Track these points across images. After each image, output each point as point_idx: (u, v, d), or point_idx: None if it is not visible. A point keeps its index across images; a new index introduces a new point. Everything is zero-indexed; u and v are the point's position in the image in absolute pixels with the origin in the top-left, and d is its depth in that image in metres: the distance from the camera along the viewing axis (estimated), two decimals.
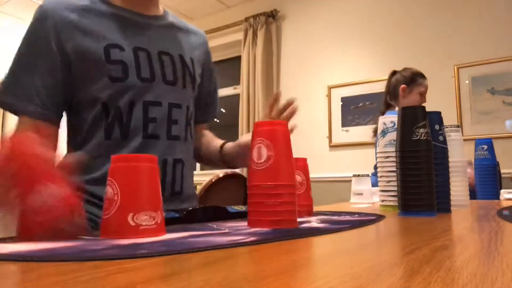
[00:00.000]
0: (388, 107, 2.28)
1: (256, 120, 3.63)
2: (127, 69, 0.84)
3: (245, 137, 0.96)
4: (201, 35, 1.09)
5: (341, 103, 3.36)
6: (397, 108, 2.22)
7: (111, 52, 0.83)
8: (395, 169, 0.86)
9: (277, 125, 0.60)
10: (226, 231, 0.54)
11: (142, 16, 0.92)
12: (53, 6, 0.83)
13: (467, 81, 2.89)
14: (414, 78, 2.20)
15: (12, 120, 6.56)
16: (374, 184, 1.53)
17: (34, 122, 0.82)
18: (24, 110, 0.82)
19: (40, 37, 0.82)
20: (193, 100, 0.99)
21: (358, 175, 1.43)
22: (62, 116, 0.88)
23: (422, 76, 2.22)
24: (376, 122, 2.15)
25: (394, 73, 2.31)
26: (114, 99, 0.83)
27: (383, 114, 2.21)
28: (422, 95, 2.19)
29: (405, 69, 2.27)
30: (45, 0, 0.85)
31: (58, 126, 0.87)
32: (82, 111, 0.85)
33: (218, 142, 1.06)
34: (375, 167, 2.20)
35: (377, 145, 1.01)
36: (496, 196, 1.55)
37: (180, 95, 0.93)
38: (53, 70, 0.83)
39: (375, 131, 2.28)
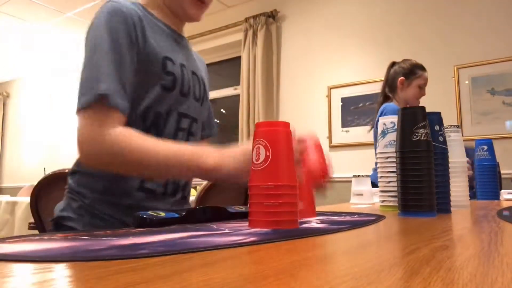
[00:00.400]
0: (386, 98, 2.22)
1: (256, 120, 3.63)
2: (175, 81, 0.90)
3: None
4: (203, 60, 1.17)
5: (341, 103, 3.36)
6: (394, 101, 2.18)
7: (167, 64, 0.89)
8: (395, 170, 0.86)
9: (277, 126, 0.60)
10: (226, 231, 0.54)
11: (178, 35, 1.00)
12: (128, 7, 0.85)
13: (467, 82, 2.89)
14: (413, 70, 2.15)
15: (12, 119, 6.48)
16: (374, 180, 1.53)
17: (122, 117, 0.80)
18: (122, 105, 0.79)
19: (122, 32, 0.82)
20: (205, 117, 1.08)
21: (358, 176, 1.43)
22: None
23: (422, 68, 2.16)
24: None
25: (393, 64, 2.26)
26: (155, 106, 0.88)
27: (380, 104, 2.17)
28: (421, 88, 2.14)
29: (404, 61, 2.22)
30: (115, 1, 0.85)
31: None
32: (137, 114, 0.87)
33: None
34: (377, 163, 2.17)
35: (377, 145, 1.01)
36: (496, 196, 1.55)
37: (200, 111, 1.01)
38: (133, 66, 0.84)
39: (372, 125, 2.25)
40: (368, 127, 3.15)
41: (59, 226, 0.87)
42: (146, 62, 0.86)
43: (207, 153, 0.75)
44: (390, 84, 2.20)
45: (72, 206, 0.88)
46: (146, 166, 0.77)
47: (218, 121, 3.85)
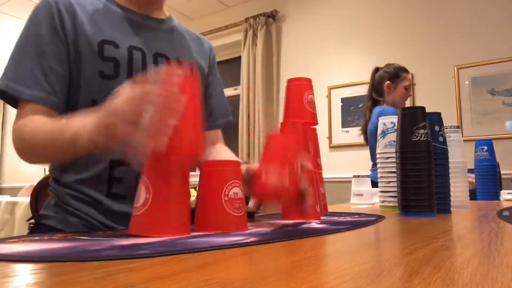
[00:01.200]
0: (375, 102, 2.28)
1: (256, 120, 3.64)
2: (118, 67, 0.82)
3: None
4: (206, 43, 1.07)
5: (341, 103, 3.36)
6: (384, 104, 2.23)
7: (105, 48, 0.82)
8: (395, 170, 0.86)
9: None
10: (226, 231, 0.54)
11: (144, 17, 0.91)
12: None
13: (467, 82, 2.89)
14: (397, 74, 2.24)
15: (12, 119, 6.51)
16: (374, 179, 1.53)
17: (46, 110, 0.78)
18: (34, 96, 0.78)
19: (45, 24, 0.80)
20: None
21: (358, 176, 1.43)
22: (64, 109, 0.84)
23: (405, 70, 2.25)
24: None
25: (376, 70, 2.35)
26: (103, 97, 0.80)
27: (370, 110, 2.22)
28: (407, 89, 2.22)
29: (387, 65, 2.32)
30: None
31: None
32: (70, 106, 0.83)
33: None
34: (373, 164, 2.21)
35: (377, 145, 1.01)
36: (496, 196, 1.55)
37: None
38: (60, 56, 0.80)
39: (363, 130, 2.30)
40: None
41: (38, 225, 0.85)
42: (81, 49, 0.81)
43: (82, 131, 0.64)
44: (376, 89, 2.28)
45: (50, 204, 0.86)
46: (41, 150, 0.74)
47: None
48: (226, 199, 0.54)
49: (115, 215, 0.82)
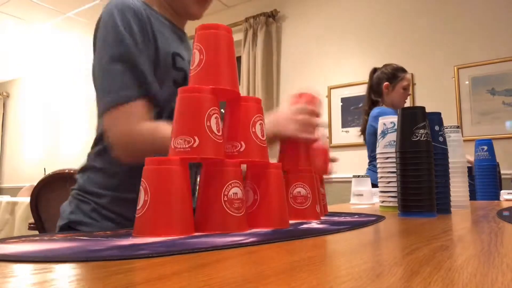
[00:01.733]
0: (373, 104, 2.28)
1: None
2: (186, 77, 0.89)
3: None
4: None
5: (341, 103, 3.36)
6: (383, 105, 2.23)
7: (177, 60, 0.89)
8: (395, 170, 0.86)
9: None
10: (226, 232, 0.54)
11: (182, 32, 1.00)
12: (136, 5, 0.84)
13: (467, 82, 2.89)
14: (395, 74, 2.23)
15: (12, 119, 6.46)
16: (374, 180, 1.53)
17: (148, 106, 0.82)
18: (147, 93, 0.81)
19: (139, 28, 0.82)
20: None
21: (358, 176, 1.43)
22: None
23: (403, 70, 2.25)
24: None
25: (374, 70, 2.34)
26: (170, 102, 0.86)
27: (367, 113, 2.22)
28: (406, 89, 2.22)
29: (385, 66, 2.31)
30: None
31: None
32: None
33: None
34: (369, 163, 2.23)
35: (377, 145, 1.01)
36: (496, 196, 1.56)
37: None
38: (149, 58, 0.84)
39: (362, 131, 2.30)
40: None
41: (70, 229, 0.83)
42: (158, 57, 0.85)
43: None
44: (375, 90, 2.28)
45: (83, 209, 0.85)
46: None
47: None
48: (226, 199, 0.54)
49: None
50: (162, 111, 0.87)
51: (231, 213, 0.54)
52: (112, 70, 0.79)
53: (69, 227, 0.85)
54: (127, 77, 0.79)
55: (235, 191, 0.55)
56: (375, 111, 2.14)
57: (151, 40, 0.84)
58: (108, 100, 0.79)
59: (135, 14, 0.82)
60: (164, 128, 0.78)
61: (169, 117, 0.86)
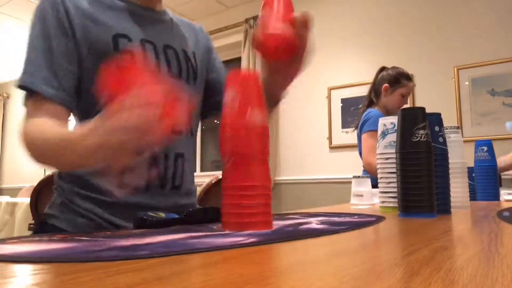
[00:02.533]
0: (370, 103, 2.26)
1: None
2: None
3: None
4: (197, 28, 1.08)
5: (341, 104, 3.36)
6: (377, 107, 2.21)
7: (119, 42, 0.82)
8: (395, 171, 0.86)
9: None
10: (227, 232, 0.54)
11: (148, 10, 0.92)
12: None
13: (467, 83, 2.89)
14: (398, 79, 2.18)
15: (12, 119, 6.46)
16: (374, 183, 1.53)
17: (55, 107, 0.78)
18: (43, 91, 0.77)
19: (53, 20, 0.80)
20: (197, 93, 0.98)
21: (358, 177, 1.43)
22: (73, 107, 0.84)
23: (407, 77, 2.19)
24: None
25: (382, 69, 2.29)
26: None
27: (363, 112, 2.21)
28: (404, 97, 2.17)
29: (393, 68, 2.25)
30: None
31: (69, 117, 0.84)
32: (86, 100, 0.83)
33: None
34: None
35: (377, 146, 1.01)
36: (496, 197, 1.55)
37: (184, 89, 0.91)
38: (68, 53, 0.80)
39: (355, 127, 2.30)
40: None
41: (44, 224, 0.85)
42: (94, 44, 0.81)
43: (85, 135, 0.64)
44: (376, 89, 2.25)
45: (56, 203, 0.86)
46: (45, 156, 0.74)
47: (218, 122, 3.89)
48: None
49: (126, 209, 0.80)
50: (94, 98, 0.79)
51: None
52: (27, 53, 0.80)
53: (42, 223, 0.86)
54: (38, 58, 0.78)
55: None
56: (365, 114, 2.13)
57: (77, 28, 0.80)
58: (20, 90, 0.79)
59: (53, 4, 0.80)
60: (39, 128, 0.75)
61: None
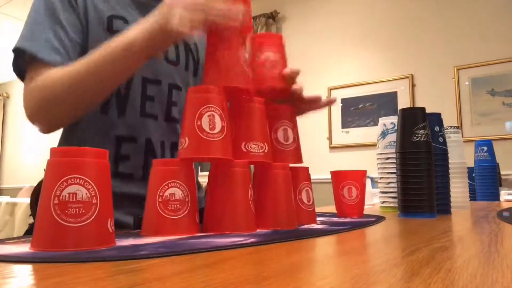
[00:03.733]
0: None
1: None
2: None
3: None
4: None
5: (341, 104, 3.36)
6: None
7: (114, 23, 0.80)
8: (395, 171, 0.86)
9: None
10: (226, 232, 0.54)
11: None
12: None
13: (467, 83, 2.89)
14: None
15: (12, 119, 6.42)
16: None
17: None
18: (51, 59, 0.73)
19: None
20: (194, 84, 0.95)
21: None
22: None
23: None
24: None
25: None
26: None
27: None
28: None
29: None
30: None
31: None
32: None
33: None
34: None
35: (378, 146, 1.01)
36: (496, 197, 1.55)
37: (182, 77, 0.89)
38: (75, 24, 0.78)
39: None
40: (368, 128, 3.16)
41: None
42: (92, 24, 0.78)
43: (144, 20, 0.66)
44: None
45: None
46: (78, 83, 0.70)
47: None
48: (161, 200, 0.51)
49: (121, 200, 0.77)
50: None
51: (166, 215, 0.51)
52: (29, 21, 0.77)
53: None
54: (43, 25, 0.75)
55: (172, 191, 0.52)
56: None
57: (80, 5, 0.78)
58: (18, 59, 0.76)
59: None
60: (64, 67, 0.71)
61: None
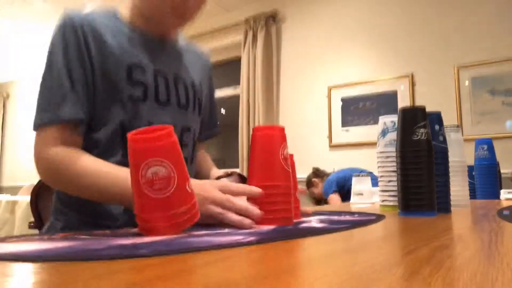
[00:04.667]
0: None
1: (256, 122, 3.64)
2: (147, 90, 0.84)
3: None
4: (205, 56, 1.10)
5: (341, 103, 3.36)
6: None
7: (134, 73, 0.83)
8: (395, 169, 0.86)
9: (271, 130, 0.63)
10: (226, 231, 0.54)
11: (160, 39, 0.92)
12: (81, 18, 0.81)
13: (467, 82, 2.89)
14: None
15: (12, 119, 6.45)
16: (326, 190, 1.57)
17: (71, 133, 0.79)
18: (70, 119, 0.78)
19: (73, 45, 0.80)
20: (198, 123, 1.01)
21: (358, 175, 1.43)
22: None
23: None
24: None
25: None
26: (133, 119, 0.83)
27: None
28: None
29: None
30: (70, 11, 0.83)
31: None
32: (97, 130, 0.82)
33: (209, 167, 1.09)
34: None
35: (377, 144, 1.01)
36: (496, 196, 1.55)
37: (190, 118, 0.94)
38: (87, 80, 0.80)
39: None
40: (368, 127, 3.16)
41: None
42: (108, 72, 0.81)
43: None
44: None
45: (56, 227, 0.85)
46: (78, 187, 0.76)
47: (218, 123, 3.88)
48: (144, 181, 0.50)
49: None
50: (120, 131, 0.82)
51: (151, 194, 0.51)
52: (50, 78, 0.80)
53: None
54: (64, 87, 0.78)
55: (154, 170, 0.51)
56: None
57: (94, 55, 0.80)
58: (41, 118, 0.79)
59: (73, 31, 0.80)
60: (86, 162, 0.75)
61: (123, 137, 0.81)
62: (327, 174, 2.96)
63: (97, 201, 0.79)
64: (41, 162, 0.78)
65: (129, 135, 0.51)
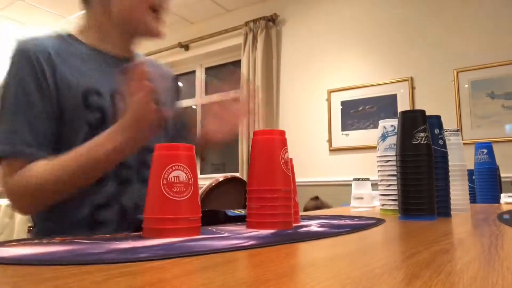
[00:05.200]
0: None
1: (256, 124, 3.64)
2: (105, 116, 0.83)
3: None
4: (169, 72, 1.10)
5: (341, 107, 3.36)
6: None
7: (89, 99, 0.82)
8: (395, 173, 0.86)
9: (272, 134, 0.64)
10: (226, 235, 0.54)
11: (117, 59, 0.92)
12: (33, 45, 0.81)
13: (466, 85, 2.89)
14: None
15: None
16: None
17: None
18: (28, 155, 0.78)
19: (28, 78, 0.79)
20: (163, 140, 0.97)
21: (358, 179, 1.43)
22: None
23: None
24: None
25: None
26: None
27: None
28: None
29: None
30: (21, 40, 0.83)
31: None
32: (65, 151, 0.80)
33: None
34: None
35: (378, 148, 1.01)
36: (496, 200, 1.55)
37: (153, 138, 0.92)
38: (46, 109, 0.80)
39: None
40: (368, 131, 3.16)
41: None
42: (64, 99, 0.81)
43: (105, 139, 0.75)
44: None
45: (46, 230, 0.85)
46: (60, 181, 0.75)
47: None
48: (165, 182, 0.53)
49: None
50: (64, 151, 0.80)
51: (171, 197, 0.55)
52: (5, 110, 0.79)
53: None
54: (20, 119, 0.78)
55: (176, 174, 0.55)
56: None
57: (50, 83, 0.80)
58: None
59: (27, 60, 0.79)
60: (39, 165, 0.76)
61: None
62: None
63: (88, 182, 0.78)
64: (8, 192, 0.78)
65: (157, 145, 0.56)
